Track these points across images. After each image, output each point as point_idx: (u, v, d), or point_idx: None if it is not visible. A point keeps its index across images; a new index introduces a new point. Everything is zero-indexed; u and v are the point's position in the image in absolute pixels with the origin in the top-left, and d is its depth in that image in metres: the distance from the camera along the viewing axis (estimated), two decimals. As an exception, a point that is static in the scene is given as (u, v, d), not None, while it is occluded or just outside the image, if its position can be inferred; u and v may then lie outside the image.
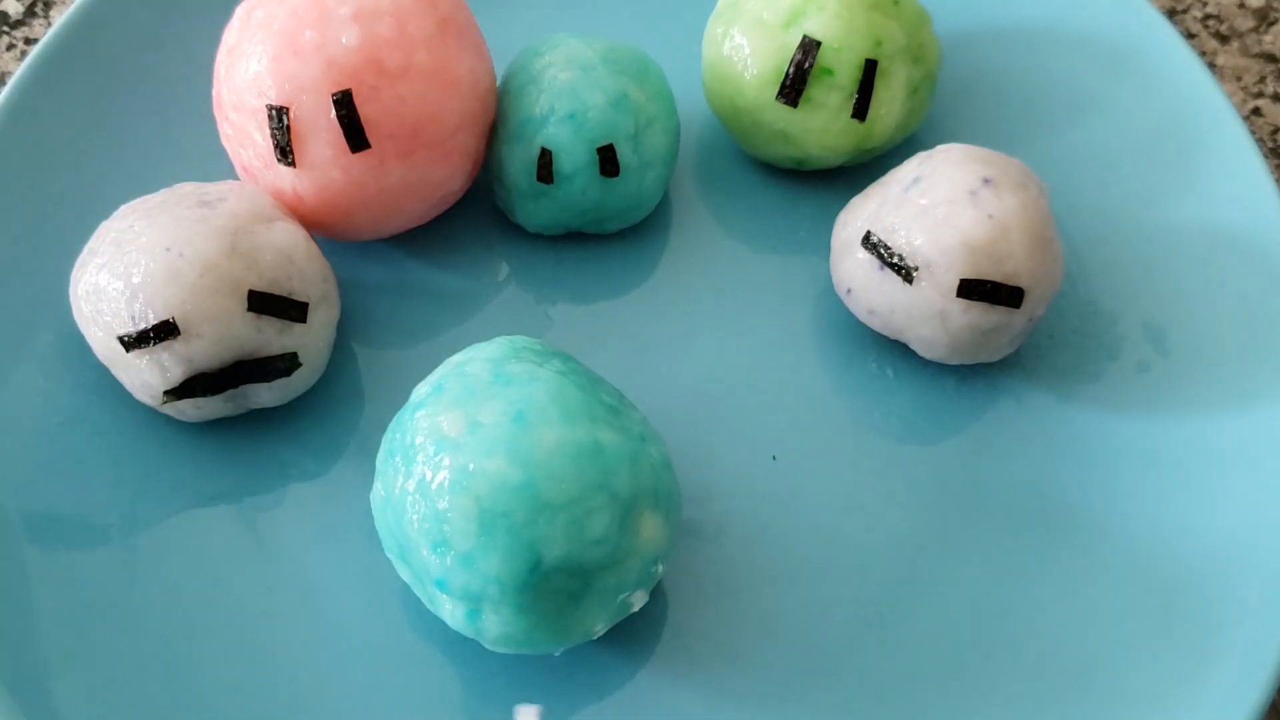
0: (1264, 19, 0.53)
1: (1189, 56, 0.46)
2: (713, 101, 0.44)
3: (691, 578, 0.38)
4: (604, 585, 0.32)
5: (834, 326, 0.43)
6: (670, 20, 0.48)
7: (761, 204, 0.45)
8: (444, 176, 0.41)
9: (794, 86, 0.41)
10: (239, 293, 0.36)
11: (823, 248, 0.42)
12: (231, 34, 0.40)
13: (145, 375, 0.37)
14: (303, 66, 0.37)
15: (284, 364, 0.38)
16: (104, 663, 0.35)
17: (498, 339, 0.35)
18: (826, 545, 0.38)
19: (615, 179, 0.41)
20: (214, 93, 0.40)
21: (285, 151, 0.38)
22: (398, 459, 0.32)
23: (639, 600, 0.33)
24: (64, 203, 0.43)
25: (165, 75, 0.46)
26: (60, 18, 0.45)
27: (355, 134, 0.38)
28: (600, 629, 0.33)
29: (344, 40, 0.37)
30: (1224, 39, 0.53)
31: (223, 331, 0.36)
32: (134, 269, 0.36)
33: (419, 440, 0.32)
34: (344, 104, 0.37)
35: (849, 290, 0.40)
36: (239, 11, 0.40)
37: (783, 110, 0.42)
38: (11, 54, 0.52)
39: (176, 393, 0.37)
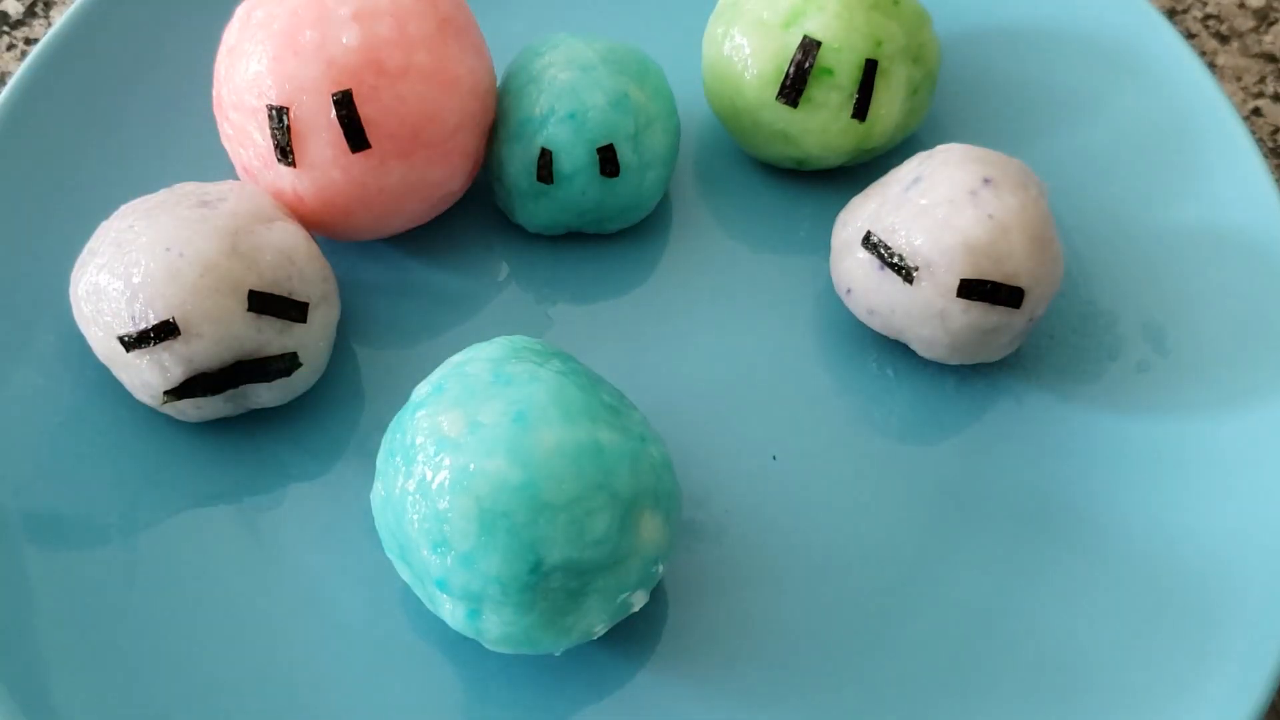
0: (1264, 19, 0.53)
1: (1189, 56, 0.46)
2: (713, 101, 0.44)
3: (691, 578, 0.38)
4: (604, 585, 0.32)
5: (834, 326, 0.43)
6: (670, 20, 0.48)
7: (761, 204, 0.45)
8: (444, 176, 0.41)
9: (794, 86, 0.41)
10: (239, 293, 0.36)
11: (823, 248, 0.42)
12: (231, 34, 0.40)
13: (145, 375, 0.37)
14: (303, 66, 0.37)
15: (284, 364, 0.38)
16: (104, 663, 0.35)
17: (498, 339, 0.35)
18: (826, 545, 0.38)
19: (615, 179, 0.41)
20: (214, 93, 0.40)
21: (285, 151, 0.38)
22: (398, 459, 0.32)
23: (639, 600, 0.33)
24: (64, 203, 0.43)
25: (165, 75, 0.46)
26: (60, 18, 0.45)
27: (355, 134, 0.38)
28: (600, 629, 0.33)
29: (344, 40, 0.37)
30: (1224, 39, 0.53)
31: (223, 331, 0.36)
32: (134, 269, 0.36)
33: (419, 440, 0.32)
34: (344, 104, 0.37)
35: (849, 290, 0.40)
36: (239, 11, 0.40)
37: (783, 110, 0.42)
38: (11, 54, 0.52)
39: (176, 393, 0.37)
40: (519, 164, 0.41)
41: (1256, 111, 0.51)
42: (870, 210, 0.40)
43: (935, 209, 0.37)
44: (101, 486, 0.38)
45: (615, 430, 0.32)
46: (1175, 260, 0.43)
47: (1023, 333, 0.39)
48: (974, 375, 0.41)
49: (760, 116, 0.42)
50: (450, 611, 0.32)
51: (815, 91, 0.41)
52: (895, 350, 0.42)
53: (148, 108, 0.45)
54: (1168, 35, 0.46)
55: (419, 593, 0.34)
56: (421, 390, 0.34)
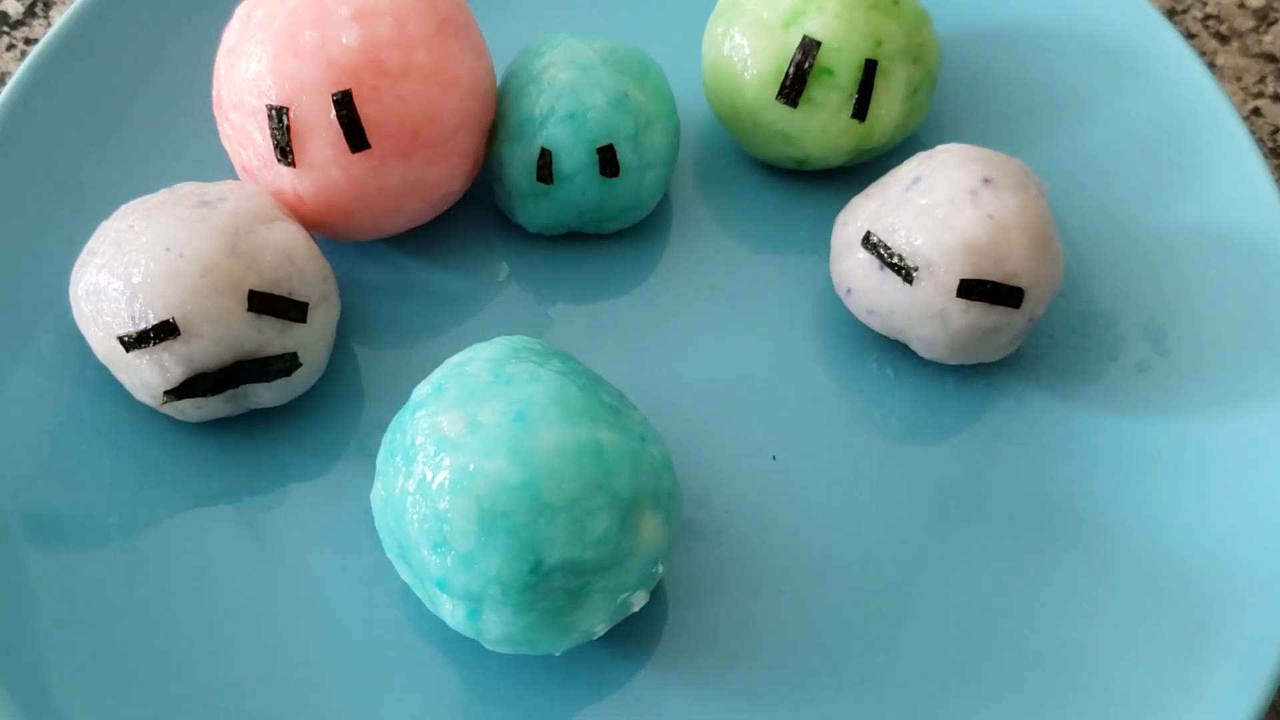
0: (1264, 19, 0.53)
1: (1189, 56, 0.46)
2: (713, 101, 0.44)
3: (691, 578, 0.38)
4: (604, 585, 0.32)
5: (834, 326, 0.43)
6: (670, 20, 0.48)
7: (761, 204, 0.45)
8: (444, 176, 0.41)
9: (794, 86, 0.41)
10: (239, 293, 0.36)
11: (823, 248, 0.42)
12: (231, 34, 0.40)
13: (145, 375, 0.37)
14: (303, 66, 0.37)
15: (284, 364, 0.38)
16: (104, 663, 0.35)
17: (498, 339, 0.35)
18: (826, 545, 0.38)
19: (615, 179, 0.41)
20: (214, 93, 0.40)
21: (285, 151, 0.38)
22: (398, 459, 0.32)
23: (639, 600, 0.33)
24: (64, 203, 0.43)
25: (165, 75, 0.46)
26: (60, 18, 0.45)
27: (355, 134, 0.38)
28: (601, 629, 0.33)
29: (344, 40, 0.37)
30: (1224, 39, 0.53)
31: (223, 331, 0.36)
32: (134, 269, 0.36)
33: (419, 440, 0.32)
34: (344, 104, 0.37)
35: (849, 290, 0.40)
36: (239, 11, 0.40)
37: (783, 110, 0.42)
38: (11, 54, 0.52)
39: (176, 393, 0.37)
40: (519, 164, 0.41)
41: (1256, 111, 0.51)
42: (870, 210, 0.40)
43: (935, 209, 0.37)
44: (101, 486, 0.38)
45: (615, 430, 0.32)
46: (1175, 260, 0.43)
47: (1023, 333, 0.39)
48: (974, 375, 0.41)
49: (760, 116, 0.42)
50: (450, 612, 0.32)
51: (815, 91, 0.41)
52: (895, 350, 0.42)
53: (147, 108, 0.45)
54: (1168, 35, 0.46)
55: (419, 593, 0.34)
56: (421, 390, 0.34)
